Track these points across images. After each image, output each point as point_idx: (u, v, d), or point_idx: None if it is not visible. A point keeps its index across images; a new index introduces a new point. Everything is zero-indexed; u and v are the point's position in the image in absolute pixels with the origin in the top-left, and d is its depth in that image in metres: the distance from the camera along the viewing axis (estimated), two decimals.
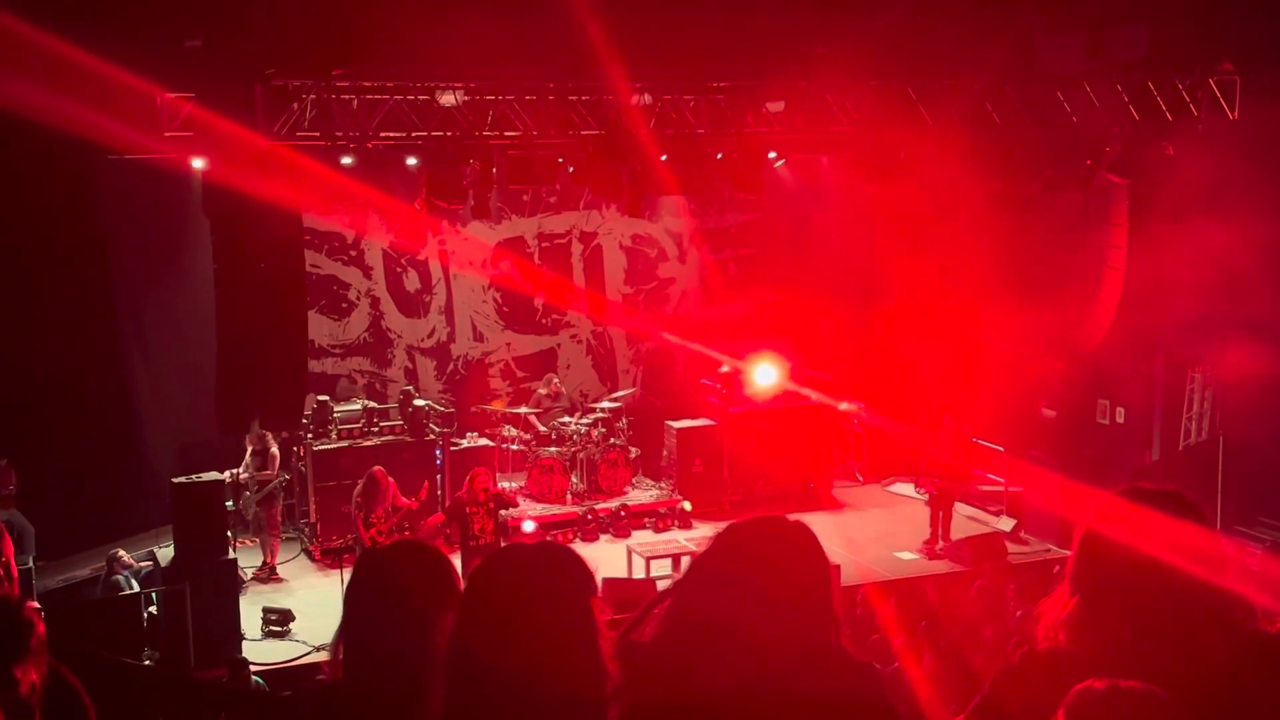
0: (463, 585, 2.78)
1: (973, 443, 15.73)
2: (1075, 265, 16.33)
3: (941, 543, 15.08)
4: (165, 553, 13.46)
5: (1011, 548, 15.05)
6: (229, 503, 13.77)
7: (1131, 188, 15.56)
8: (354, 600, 3.03)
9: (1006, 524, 15.74)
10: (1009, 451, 16.27)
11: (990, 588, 12.72)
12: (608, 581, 12.53)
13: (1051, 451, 16.22)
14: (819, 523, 2.57)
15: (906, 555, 15.07)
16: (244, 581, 13.88)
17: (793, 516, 2.69)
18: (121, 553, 13.24)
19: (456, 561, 11.56)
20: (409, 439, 15.69)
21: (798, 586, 2.53)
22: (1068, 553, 3.01)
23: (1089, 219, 16.35)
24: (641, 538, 15.45)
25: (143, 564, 13.61)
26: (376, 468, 13.20)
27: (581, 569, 2.56)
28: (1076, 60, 16.08)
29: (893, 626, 11.02)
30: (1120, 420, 16.60)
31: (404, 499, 13.14)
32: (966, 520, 16.16)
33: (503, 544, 12.53)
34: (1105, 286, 16.30)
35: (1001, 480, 16.39)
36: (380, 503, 12.91)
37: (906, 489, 17.57)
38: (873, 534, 15.79)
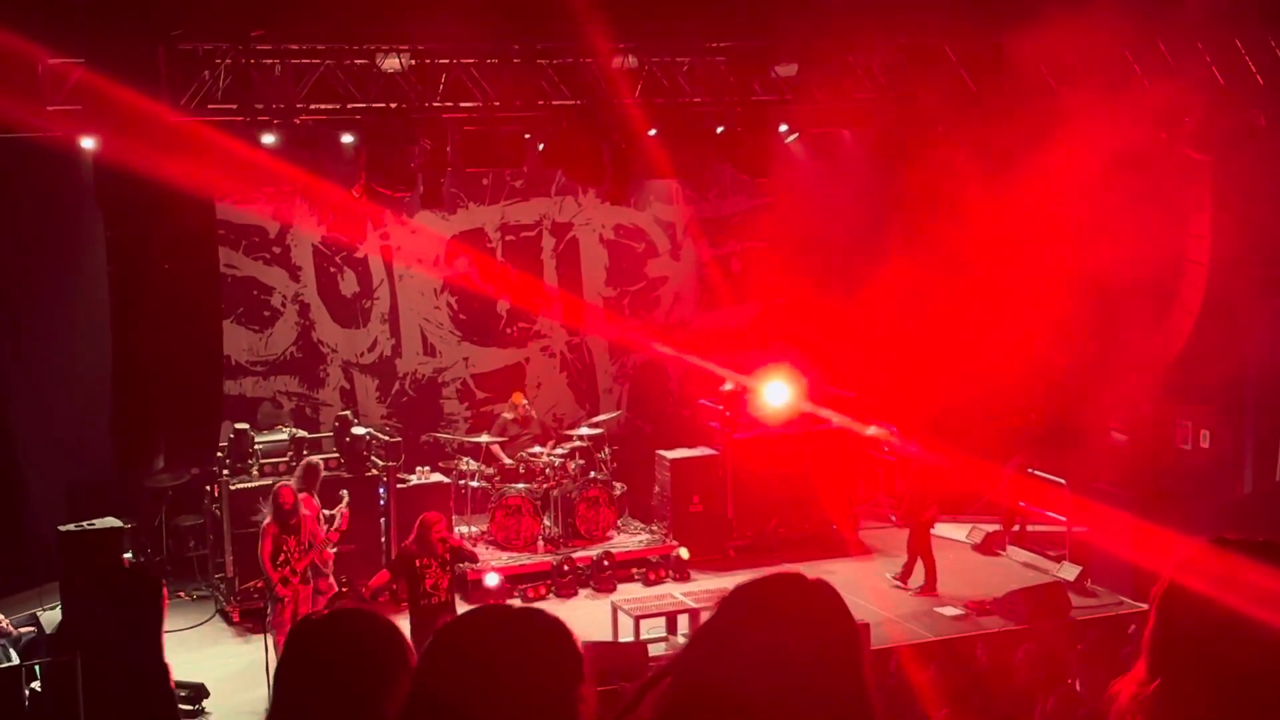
0: (415, 656, 2.79)
1: (932, 467, 15.78)
2: (1150, 259, 16.39)
3: (911, 582, 15.45)
4: (51, 616, 13.40)
5: (1076, 600, 15.08)
6: (128, 554, 13.74)
7: (1216, 165, 15.63)
8: (286, 681, 3.03)
9: (1069, 572, 15.77)
10: (1071, 485, 16.31)
11: (1044, 649, 12.74)
12: (589, 646, 12.49)
13: (1123, 483, 16.26)
14: (845, 572, 2.57)
15: (950, 610, 15.09)
16: None
17: (813, 570, 2.71)
18: None
19: (403, 625, 11.54)
20: (346, 475, 15.62)
21: (824, 662, 2.54)
22: (1143, 606, 3.04)
23: (1165, 203, 16.43)
24: (629, 592, 15.40)
25: (24, 630, 13.54)
26: (281, 484, 13.15)
27: (568, 647, 2.57)
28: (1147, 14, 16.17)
29: (934, 698, 11.04)
30: (1205, 445, 16.66)
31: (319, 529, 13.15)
32: (1021, 567, 16.19)
33: (458, 602, 12.54)
34: (1186, 284, 16.37)
35: (1063, 519, 16.42)
36: (292, 533, 12.93)
37: (951, 531, 17.58)
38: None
